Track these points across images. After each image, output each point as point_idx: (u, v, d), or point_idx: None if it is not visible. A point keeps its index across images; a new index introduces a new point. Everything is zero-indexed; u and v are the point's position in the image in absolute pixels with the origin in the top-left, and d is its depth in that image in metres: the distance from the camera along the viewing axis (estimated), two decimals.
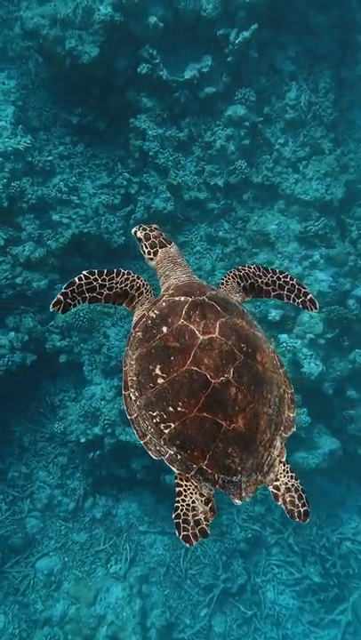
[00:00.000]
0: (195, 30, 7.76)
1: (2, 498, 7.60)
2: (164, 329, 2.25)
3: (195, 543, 2.09)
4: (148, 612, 7.39)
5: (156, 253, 2.72)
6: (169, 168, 8.11)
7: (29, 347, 7.57)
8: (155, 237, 2.74)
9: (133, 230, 2.79)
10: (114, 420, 7.50)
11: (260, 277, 2.66)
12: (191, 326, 2.20)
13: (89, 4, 7.44)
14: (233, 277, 2.67)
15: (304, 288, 2.61)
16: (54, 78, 8.11)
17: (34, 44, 7.84)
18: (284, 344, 7.57)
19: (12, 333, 7.57)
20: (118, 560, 7.64)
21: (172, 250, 2.73)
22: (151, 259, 2.74)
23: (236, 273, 2.67)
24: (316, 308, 2.60)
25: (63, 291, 2.38)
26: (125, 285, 2.55)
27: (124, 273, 2.56)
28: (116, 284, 2.52)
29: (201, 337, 2.17)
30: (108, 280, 2.50)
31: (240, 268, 2.68)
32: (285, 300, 2.62)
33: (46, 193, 7.82)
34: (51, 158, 7.99)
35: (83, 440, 7.55)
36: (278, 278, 2.63)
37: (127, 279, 2.55)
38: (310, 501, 2.17)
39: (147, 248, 2.74)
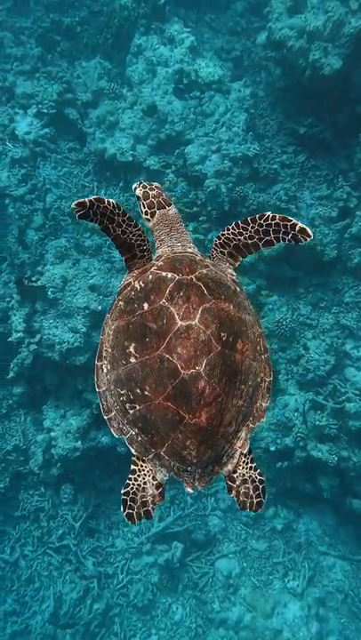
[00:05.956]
0: None
1: None
2: (145, 305, 2.19)
3: (137, 522, 2.19)
4: (324, 637, 7.16)
5: (153, 215, 2.58)
6: None
7: None
8: (154, 197, 2.59)
9: (133, 187, 2.66)
10: (307, 433, 7.42)
11: (242, 234, 2.43)
12: (172, 309, 2.13)
13: (341, 18, 7.45)
14: (215, 248, 2.53)
15: (290, 221, 2.29)
16: (287, 89, 8.21)
17: (276, 55, 8.00)
18: None
19: None
20: (296, 577, 7.49)
21: (170, 212, 2.59)
22: (148, 220, 2.61)
23: (217, 242, 2.52)
24: (309, 236, 2.26)
25: (93, 198, 2.21)
26: (135, 240, 2.44)
27: (141, 229, 2.45)
28: (130, 232, 2.41)
29: (179, 323, 2.10)
30: (126, 225, 2.38)
31: (219, 235, 2.50)
32: (277, 243, 2.35)
33: (266, 199, 7.93)
34: (275, 167, 8.09)
35: (272, 449, 7.55)
36: (260, 225, 2.36)
37: (140, 236, 2.44)
38: None
39: (144, 208, 2.60)
